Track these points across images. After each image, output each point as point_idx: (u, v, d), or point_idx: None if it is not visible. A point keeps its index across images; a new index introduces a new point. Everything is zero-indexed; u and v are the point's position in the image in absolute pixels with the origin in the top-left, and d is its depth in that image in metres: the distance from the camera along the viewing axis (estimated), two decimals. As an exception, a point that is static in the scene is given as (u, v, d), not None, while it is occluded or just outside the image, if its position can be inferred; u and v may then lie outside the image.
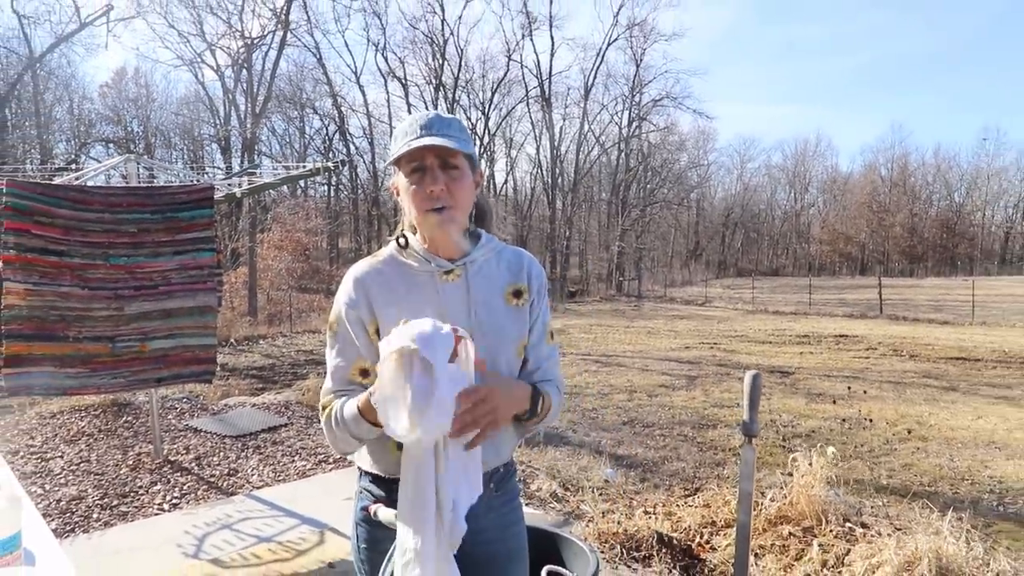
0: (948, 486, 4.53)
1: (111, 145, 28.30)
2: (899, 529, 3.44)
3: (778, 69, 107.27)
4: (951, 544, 2.97)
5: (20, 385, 4.01)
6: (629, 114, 39.52)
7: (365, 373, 1.35)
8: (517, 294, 1.42)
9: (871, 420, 6.31)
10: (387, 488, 1.38)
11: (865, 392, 7.75)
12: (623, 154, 40.54)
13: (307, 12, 29.54)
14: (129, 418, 6.31)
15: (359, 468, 1.46)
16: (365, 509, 1.39)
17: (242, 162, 26.81)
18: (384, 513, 1.31)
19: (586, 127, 38.46)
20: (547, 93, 36.13)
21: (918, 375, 9.08)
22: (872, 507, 3.96)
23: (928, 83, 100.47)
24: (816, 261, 60.22)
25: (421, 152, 1.27)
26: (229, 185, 6.62)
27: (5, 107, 20.56)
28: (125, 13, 25.24)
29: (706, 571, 3.14)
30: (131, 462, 4.97)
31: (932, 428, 6.07)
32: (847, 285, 37.94)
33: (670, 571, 3.15)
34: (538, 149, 39.04)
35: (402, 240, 1.40)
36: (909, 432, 5.91)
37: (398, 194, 1.37)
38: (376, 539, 1.37)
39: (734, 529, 3.30)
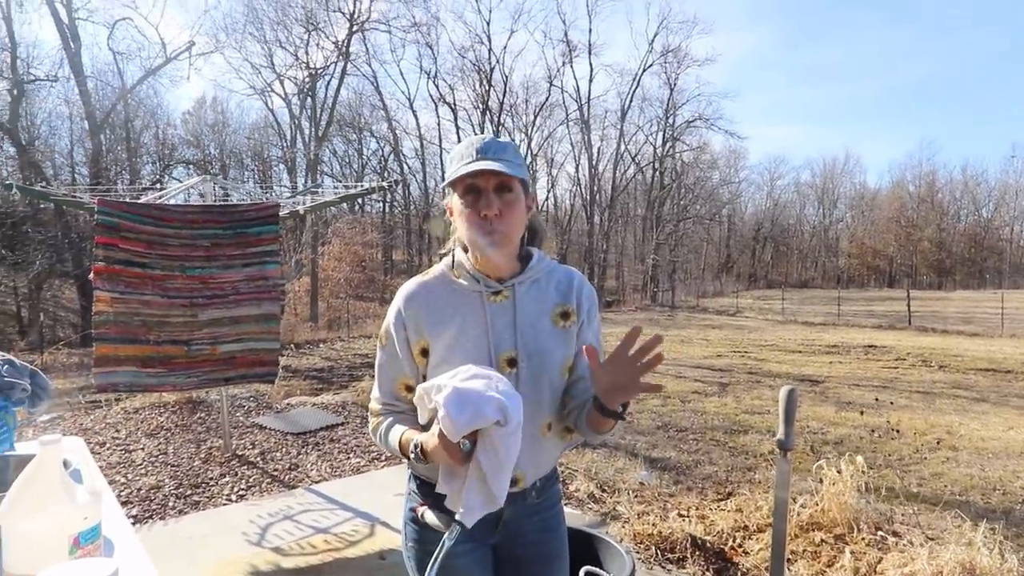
0: (979, 496, 4.30)
1: (191, 166, 29.21)
2: (931, 539, 3.27)
3: (807, 90, 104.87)
4: (984, 556, 2.80)
5: (107, 383, 4.16)
6: (663, 135, 39.17)
7: (410, 389, 1.34)
8: (564, 316, 1.35)
9: (899, 431, 6.04)
10: (435, 493, 1.35)
11: (892, 403, 7.43)
12: (657, 172, 40.12)
13: (366, 45, 30.34)
14: (202, 415, 6.47)
15: (409, 469, 1.44)
16: (413, 510, 1.38)
17: (306, 181, 27.49)
18: (430, 516, 1.29)
19: (622, 147, 38.33)
20: (586, 116, 36.12)
21: (947, 385, 8.67)
22: (903, 515, 3.78)
23: (956, 101, 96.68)
24: (845, 274, 58.39)
25: (477, 176, 1.22)
26: (294, 202, 6.76)
27: (100, 133, 21.44)
28: (205, 49, 26.43)
29: (739, 575, 3.03)
30: (203, 455, 5.08)
31: (962, 438, 5.77)
32: (875, 297, 36.66)
33: (703, 573, 3.06)
34: (577, 168, 39.21)
35: (451, 260, 1.35)
36: (939, 442, 5.63)
37: (451, 214, 1.33)
38: (423, 539, 1.35)
39: (766, 534, 3.19)
